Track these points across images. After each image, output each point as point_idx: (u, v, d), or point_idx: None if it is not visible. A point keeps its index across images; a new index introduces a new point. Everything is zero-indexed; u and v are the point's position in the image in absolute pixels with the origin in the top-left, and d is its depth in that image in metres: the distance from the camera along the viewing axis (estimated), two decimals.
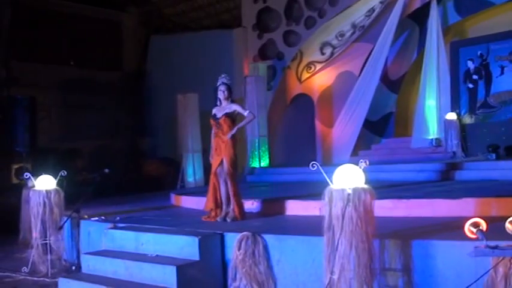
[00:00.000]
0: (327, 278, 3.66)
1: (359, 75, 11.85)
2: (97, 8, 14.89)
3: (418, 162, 9.64)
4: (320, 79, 12.91)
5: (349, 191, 3.59)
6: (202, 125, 11.42)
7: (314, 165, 3.95)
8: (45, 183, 6.21)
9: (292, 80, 13.22)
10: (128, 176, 13.10)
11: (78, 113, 13.86)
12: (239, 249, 4.60)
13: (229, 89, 5.94)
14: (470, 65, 11.21)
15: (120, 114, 14.77)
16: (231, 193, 5.78)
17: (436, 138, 10.81)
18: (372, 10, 11.68)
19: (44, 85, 13.05)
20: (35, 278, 5.81)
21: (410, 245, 3.89)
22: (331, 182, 3.75)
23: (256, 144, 12.13)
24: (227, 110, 5.88)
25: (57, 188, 6.24)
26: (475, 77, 11.14)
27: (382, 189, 6.12)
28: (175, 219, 6.47)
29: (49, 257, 6.00)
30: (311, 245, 4.28)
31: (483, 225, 3.36)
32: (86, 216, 6.61)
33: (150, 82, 15.77)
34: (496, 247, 3.20)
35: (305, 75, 12.99)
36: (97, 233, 6.06)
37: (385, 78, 12.04)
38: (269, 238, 4.60)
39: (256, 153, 12.13)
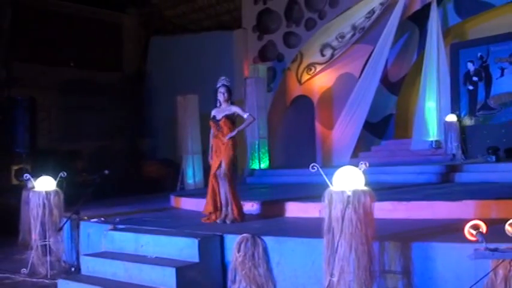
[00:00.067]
0: (326, 280, 3.66)
1: (359, 77, 11.85)
2: (97, 9, 14.90)
3: (418, 164, 9.65)
4: (320, 81, 12.91)
5: (349, 193, 3.59)
6: (202, 127, 11.41)
7: (314, 167, 3.95)
8: (44, 184, 6.21)
9: (292, 82, 13.23)
10: (128, 177, 13.09)
11: (78, 114, 13.87)
12: (239, 251, 4.59)
13: (229, 90, 5.94)
14: (470, 66, 11.22)
15: (120, 116, 14.77)
16: (228, 195, 5.77)
17: (436, 140, 10.81)
18: (372, 12, 11.69)
19: (44, 86, 13.05)
20: (35, 280, 5.80)
21: (410, 247, 3.88)
22: (331, 184, 3.75)
23: (256, 146, 12.13)
24: (227, 112, 5.87)
25: (57, 189, 6.24)
26: (475, 78, 11.15)
27: (382, 191, 6.11)
28: (174, 220, 6.47)
29: (48, 258, 6.00)
30: (311, 247, 4.28)
31: (483, 228, 3.36)
32: (85, 218, 6.60)
33: (150, 83, 15.78)
34: (495, 249, 3.20)
35: (305, 76, 13.00)
36: (97, 234, 6.05)
37: (385, 80, 12.04)
38: (269, 240, 4.60)
39: (256, 155, 12.13)
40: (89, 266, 5.35)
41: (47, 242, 6.05)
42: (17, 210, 7.82)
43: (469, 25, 11.38)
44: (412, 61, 12.10)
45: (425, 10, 11.31)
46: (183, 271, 4.56)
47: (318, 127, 12.79)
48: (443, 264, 3.78)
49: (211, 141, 5.98)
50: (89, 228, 6.35)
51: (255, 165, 12.09)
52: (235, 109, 5.93)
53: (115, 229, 5.85)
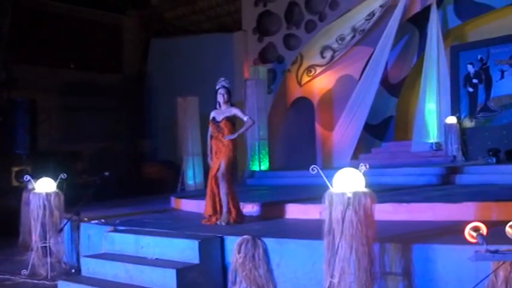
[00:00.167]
0: (327, 282, 3.66)
1: (359, 78, 11.86)
2: (98, 11, 14.90)
3: (418, 166, 9.65)
4: (320, 82, 12.92)
5: (350, 195, 3.59)
6: (202, 128, 11.41)
7: (314, 168, 3.95)
8: (45, 185, 6.21)
9: (293, 84, 13.24)
10: (128, 178, 13.08)
11: (79, 115, 13.86)
12: (239, 252, 4.59)
13: (228, 92, 5.95)
14: (471, 69, 11.23)
15: (120, 117, 14.77)
16: (227, 196, 5.76)
17: (436, 142, 10.81)
18: (372, 14, 11.70)
19: (45, 87, 13.05)
20: (35, 281, 5.80)
21: (411, 249, 3.88)
22: (332, 185, 3.75)
23: (256, 148, 12.13)
24: (227, 114, 5.88)
25: (57, 190, 6.24)
26: (475, 81, 11.16)
27: (383, 193, 6.12)
28: (175, 222, 6.47)
29: (49, 259, 5.99)
30: (311, 248, 4.28)
31: (483, 230, 3.36)
32: (86, 219, 6.61)
33: (150, 85, 15.78)
34: (496, 251, 3.20)
35: (305, 78, 13.00)
36: (97, 235, 6.06)
37: (385, 82, 12.05)
38: (269, 242, 4.60)
39: (256, 156, 12.13)
40: (90, 267, 5.34)
41: (47, 244, 6.05)
42: (18, 212, 7.82)
43: (469, 27, 11.39)
44: (412, 63, 12.11)
45: (425, 12, 11.33)
46: (183, 272, 4.56)
47: (318, 129, 12.80)
48: (443, 266, 3.78)
49: (210, 142, 5.98)
50: (90, 229, 6.36)
51: (255, 167, 12.08)
52: (235, 111, 5.93)
53: (115, 230, 5.86)
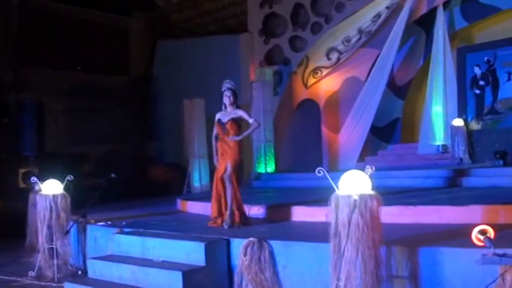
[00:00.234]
0: (333, 285, 3.65)
1: (365, 80, 11.84)
2: (104, 14, 14.97)
3: (424, 169, 9.61)
4: (326, 84, 12.90)
5: (356, 197, 3.58)
6: (208, 130, 11.40)
7: (320, 171, 3.95)
8: (52, 187, 6.23)
9: (299, 86, 13.23)
10: (135, 180, 13.11)
11: (86, 117, 13.92)
12: (245, 255, 4.59)
13: (234, 94, 5.95)
14: (477, 71, 11.18)
15: (126, 119, 14.82)
16: (232, 197, 5.75)
17: (442, 145, 10.78)
18: (378, 16, 11.67)
19: (52, 90, 13.11)
20: (42, 283, 5.82)
21: (417, 252, 3.87)
22: (338, 188, 3.75)
23: (262, 150, 12.12)
24: (233, 115, 5.88)
25: (64, 192, 6.26)
26: (481, 83, 11.11)
27: (389, 195, 6.09)
28: (181, 224, 6.48)
29: (55, 261, 6.01)
30: (317, 251, 4.27)
31: (491, 233, 3.34)
32: (92, 221, 6.63)
33: (156, 87, 15.83)
34: (504, 255, 3.18)
35: (311, 80, 12.99)
36: (103, 238, 6.07)
37: (391, 84, 12.02)
38: (275, 244, 4.60)
39: (262, 158, 12.13)
40: (96, 269, 5.36)
41: (53, 245, 6.06)
42: (24, 214, 7.85)
43: (476, 29, 11.34)
44: (419, 65, 12.08)
45: (431, 14, 11.30)
46: (189, 275, 4.56)
47: (324, 131, 12.78)
48: (450, 270, 3.76)
49: (216, 144, 5.99)
50: (96, 231, 6.38)
51: (261, 169, 12.08)
52: (241, 113, 5.93)
53: (122, 232, 5.88)
